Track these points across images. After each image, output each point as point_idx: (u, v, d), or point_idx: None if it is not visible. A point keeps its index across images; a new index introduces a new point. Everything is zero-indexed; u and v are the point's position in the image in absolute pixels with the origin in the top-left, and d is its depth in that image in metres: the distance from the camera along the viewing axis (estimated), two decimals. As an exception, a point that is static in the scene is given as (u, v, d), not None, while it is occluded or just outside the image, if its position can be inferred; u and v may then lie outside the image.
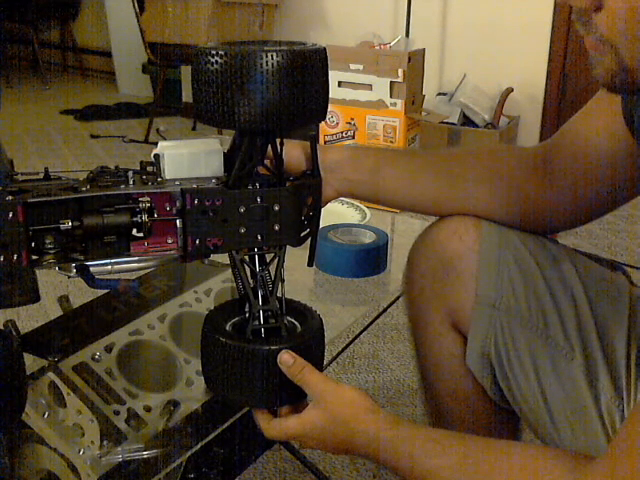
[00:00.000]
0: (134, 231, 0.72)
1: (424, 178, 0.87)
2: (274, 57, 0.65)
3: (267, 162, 0.77)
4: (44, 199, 0.68)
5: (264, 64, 0.65)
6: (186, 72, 3.79)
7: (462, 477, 0.63)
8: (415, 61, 2.58)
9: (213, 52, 0.66)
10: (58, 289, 1.72)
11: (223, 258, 0.80)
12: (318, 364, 0.79)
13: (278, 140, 0.75)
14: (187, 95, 3.95)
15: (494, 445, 0.65)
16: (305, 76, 0.67)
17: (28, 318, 1.57)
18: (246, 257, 0.76)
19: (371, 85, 2.58)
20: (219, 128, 0.70)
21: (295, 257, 0.83)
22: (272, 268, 0.77)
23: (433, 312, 0.86)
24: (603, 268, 0.85)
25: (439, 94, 3.27)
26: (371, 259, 1.56)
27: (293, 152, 0.81)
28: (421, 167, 0.88)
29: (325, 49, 0.70)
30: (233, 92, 0.66)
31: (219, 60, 0.66)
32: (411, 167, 0.88)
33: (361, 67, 2.59)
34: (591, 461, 0.57)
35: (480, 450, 0.64)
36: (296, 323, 0.79)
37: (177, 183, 0.73)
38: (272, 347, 0.73)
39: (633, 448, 0.54)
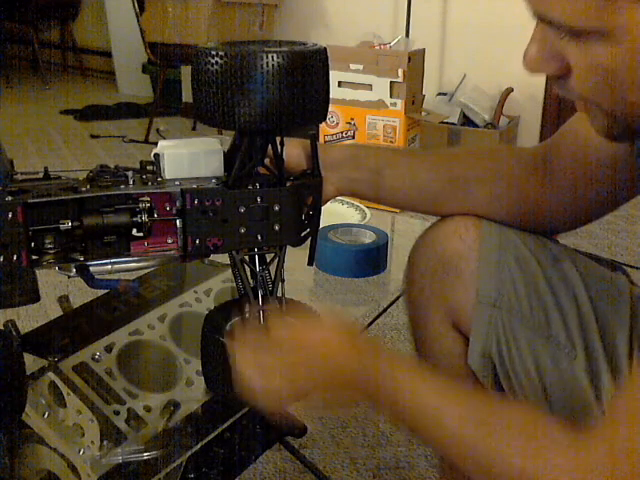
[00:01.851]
0: (134, 231, 0.72)
1: (425, 178, 0.87)
2: (274, 58, 0.65)
3: (267, 161, 0.77)
4: (44, 199, 0.68)
5: (264, 65, 0.65)
6: (186, 72, 3.78)
7: (465, 438, 0.62)
8: (415, 61, 2.58)
9: (213, 52, 0.66)
10: (58, 289, 1.72)
11: (223, 258, 0.80)
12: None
13: (278, 139, 0.75)
14: (187, 95, 3.94)
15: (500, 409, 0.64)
16: (305, 77, 0.67)
17: (28, 318, 1.57)
18: (246, 257, 0.76)
19: (371, 85, 2.58)
20: (219, 128, 0.70)
21: (295, 257, 0.83)
22: (272, 268, 0.77)
23: (433, 312, 0.86)
24: (603, 268, 0.85)
25: (439, 94, 3.27)
26: (371, 259, 1.56)
27: (293, 151, 0.81)
28: (422, 167, 0.88)
29: (326, 49, 0.70)
30: (233, 93, 0.66)
31: (219, 61, 0.66)
32: (412, 167, 0.88)
33: (361, 67, 2.59)
34: (590, 429, 0.58)
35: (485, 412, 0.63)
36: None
37: (177, 183, 0.73)
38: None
39: (632, 414, 0.54)
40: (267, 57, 0.65)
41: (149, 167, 0.76)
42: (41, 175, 0.73)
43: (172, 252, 0.74)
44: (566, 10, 0.54)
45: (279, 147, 0.75)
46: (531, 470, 0.58)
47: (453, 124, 3.03)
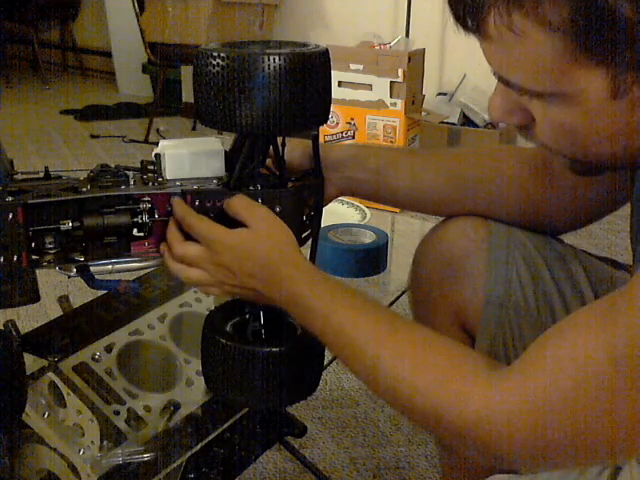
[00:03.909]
0: (135, 231, 0.72)
1: (426, 178, 0.87)
2: (276, 60, 0.65)
3: (268, 162, 0.77)
4: (44, 200, 0.68)
5: (266, 67, 0.65)
6: (186, 72, 3.78)
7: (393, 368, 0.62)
8: (415, 61, 2.58)
9: (215, 54, 0.66)
10: (58, 289, 1.71)
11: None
12: (318, 364, 0.79)
13: (280, 140, 0.75)
14: (187, 95, 3.94)
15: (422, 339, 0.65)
16: (307, 79, 0.67)
17: (28, 318, 1.57)
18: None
19: (371, 85, 2.58)
20: (220, 130, 0.70)
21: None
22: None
23: (440, 312, 0.85)
24: (609, 267, 0.85)
25: (439, 94, 3.27)
26: (371, 259, 1.56)
27: (295, 151, 0.81)
28: (423, 167, 0.88)
29: (327, 51, 0.70)
30: (235, 95, 0.66)
31: (220, 62, 0.65)
32: (413, 167, 0.88)
33: (361, 67, 2.58)
34: (506, 367, 0.58)
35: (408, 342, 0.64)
36: (296, 324, 0.79)
37: (178, 184, 0.73)
38: (272, 348, 0.73)
39: (547, 360, 0.55)
40: (269, 59, 0.65)
41: (150, 167, 0.76)
42: (41, 175, 0.73)
43: (172, 252, 0.74)
44: (526, 75, 0.56)
45: (280, 148, 0.75)
46: (444, 398, 0.58)
47: (453, 124, 3.03)
